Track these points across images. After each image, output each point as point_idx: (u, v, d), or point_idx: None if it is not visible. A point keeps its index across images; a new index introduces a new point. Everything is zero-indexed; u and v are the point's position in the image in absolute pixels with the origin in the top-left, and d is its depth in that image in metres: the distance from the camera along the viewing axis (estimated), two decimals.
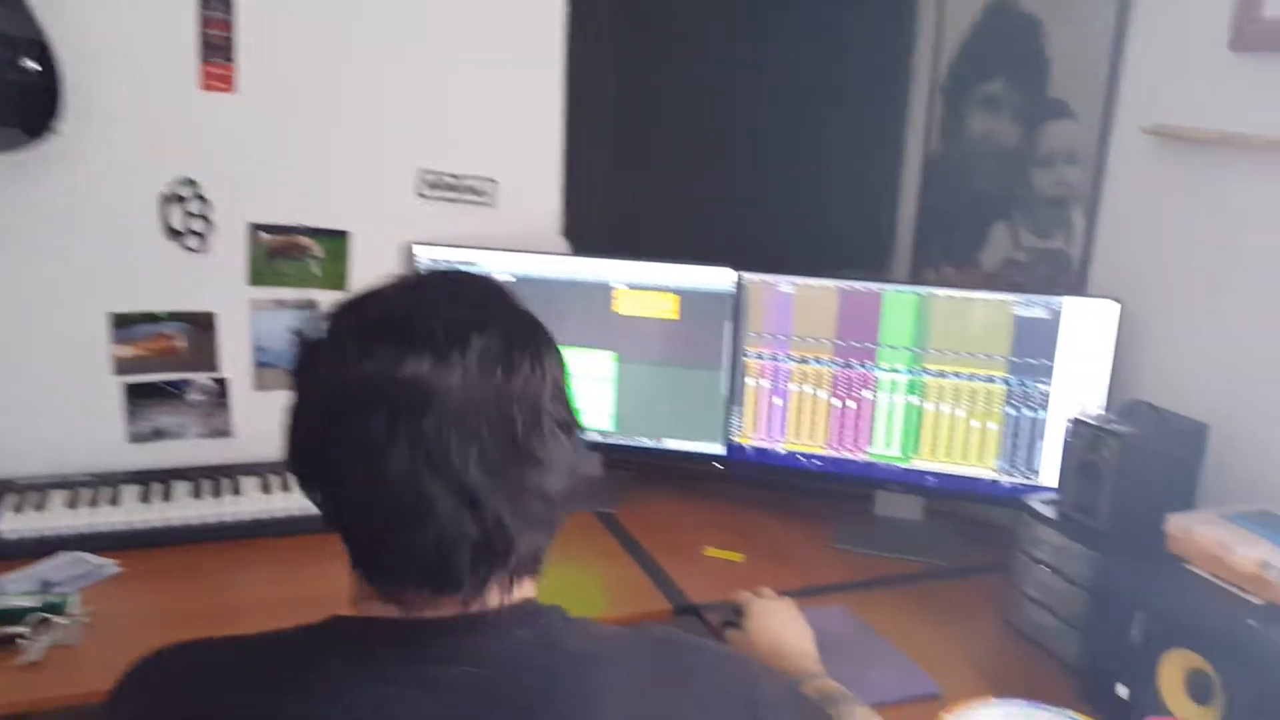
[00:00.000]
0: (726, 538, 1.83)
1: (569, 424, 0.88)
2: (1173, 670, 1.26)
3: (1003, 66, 1.93)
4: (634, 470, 2.07)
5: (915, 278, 2.10)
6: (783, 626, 1.40)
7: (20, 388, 1.81)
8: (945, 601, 1.66)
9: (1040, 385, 1.73)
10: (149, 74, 1.78)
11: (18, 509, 1.67)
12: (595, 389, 1.94)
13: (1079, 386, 1.71)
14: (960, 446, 1.79)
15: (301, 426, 0.85)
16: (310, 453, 0.84)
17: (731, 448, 1.92)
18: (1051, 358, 1.72)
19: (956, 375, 1.77)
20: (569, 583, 1.64)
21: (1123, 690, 1.31)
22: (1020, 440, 1.75)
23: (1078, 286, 1.81)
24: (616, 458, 2.04)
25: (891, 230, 2.18)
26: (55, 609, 1.43)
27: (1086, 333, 1.70)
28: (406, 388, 0.80)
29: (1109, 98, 1.73)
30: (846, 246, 2.15)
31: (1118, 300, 1.68)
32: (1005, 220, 1.94)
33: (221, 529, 1.71)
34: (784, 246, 2.10)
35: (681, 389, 1.92)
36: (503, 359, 0.83)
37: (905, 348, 1.79)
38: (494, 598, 0.86)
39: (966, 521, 1.91)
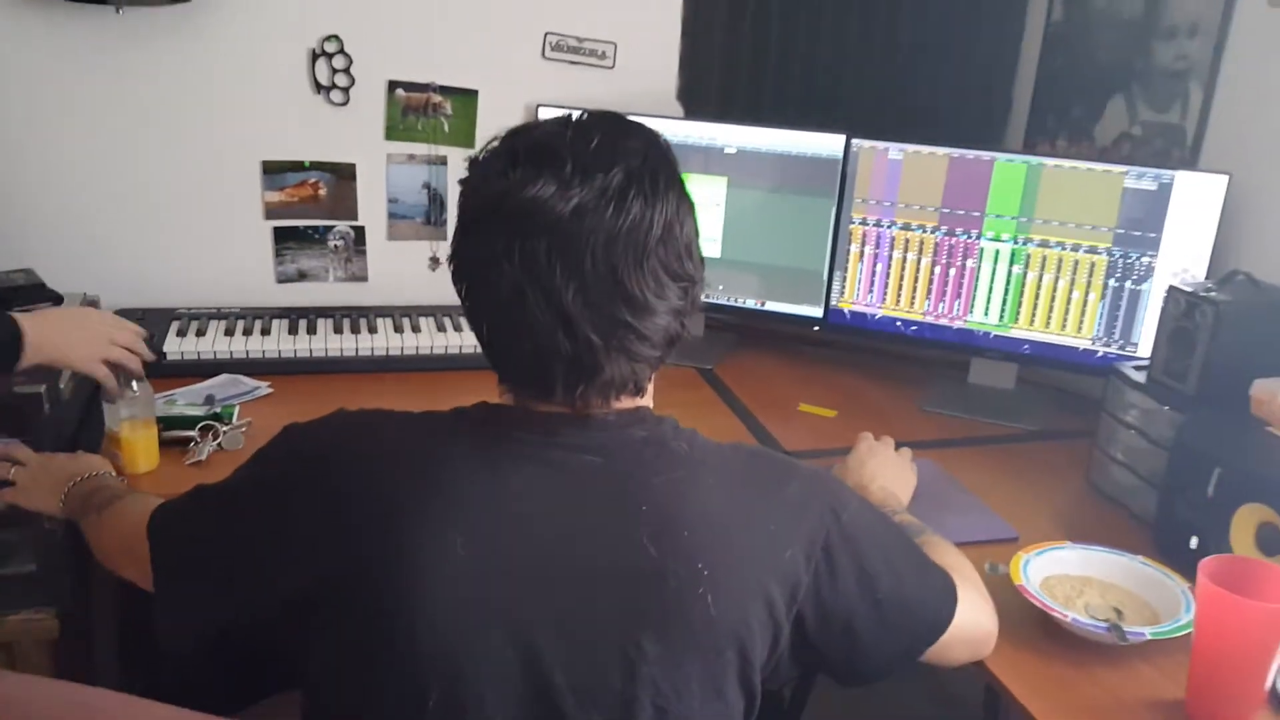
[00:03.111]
0: (821, 396, 1.92)
1: (680, 273, 0.95)
2: (1245, 523, 1.32)
3: None
4: (735, 331, 2.17)
5: (1028, 149, 2.11)
6: (879, 467, 1.49)
7: (184, 228, 1.99)
8: (1031, 462, 1.73)
9: (1145, 258, 1.75)
10: None
11: (181, 334, 1.87)
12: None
13: (1185, 260, 1.72)
14: (1059, 315, 1.83)
15: (456, 229, 0.97)
16: (456, 252, 0.97)
17: (830, 311, 1.99)
18: (1159, 231, 1.73)
19: (1060, 245, 1.80)
20: None
21: (1194, 542, 1.37)
22: (1120, 312, 1.78)
23: (1190, 162, 1.80)
24: (718, 318, 2.14)
25: (1007, 100, 2.18)
26: (219, 418, 1.63)
27: (1196, 207, 1.70)
28: (527, 207, 0.90)
29: None
30: (960, 115, 2.16)
31: (1226, 173, 1.68)
32: (1123, 93, 1.93)
33: (358, 361, 1.88)
34: (897, 113, 2.12)
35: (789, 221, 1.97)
36: (617, 198, 0.91)
37: (1011, 217, 1.83)
38: (598, 407, 0.97)
39: (1059, 391, 1.97)
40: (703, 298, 1.02)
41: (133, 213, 1.95)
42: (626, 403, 1.00)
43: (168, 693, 1.40)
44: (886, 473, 1.49)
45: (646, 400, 1.04)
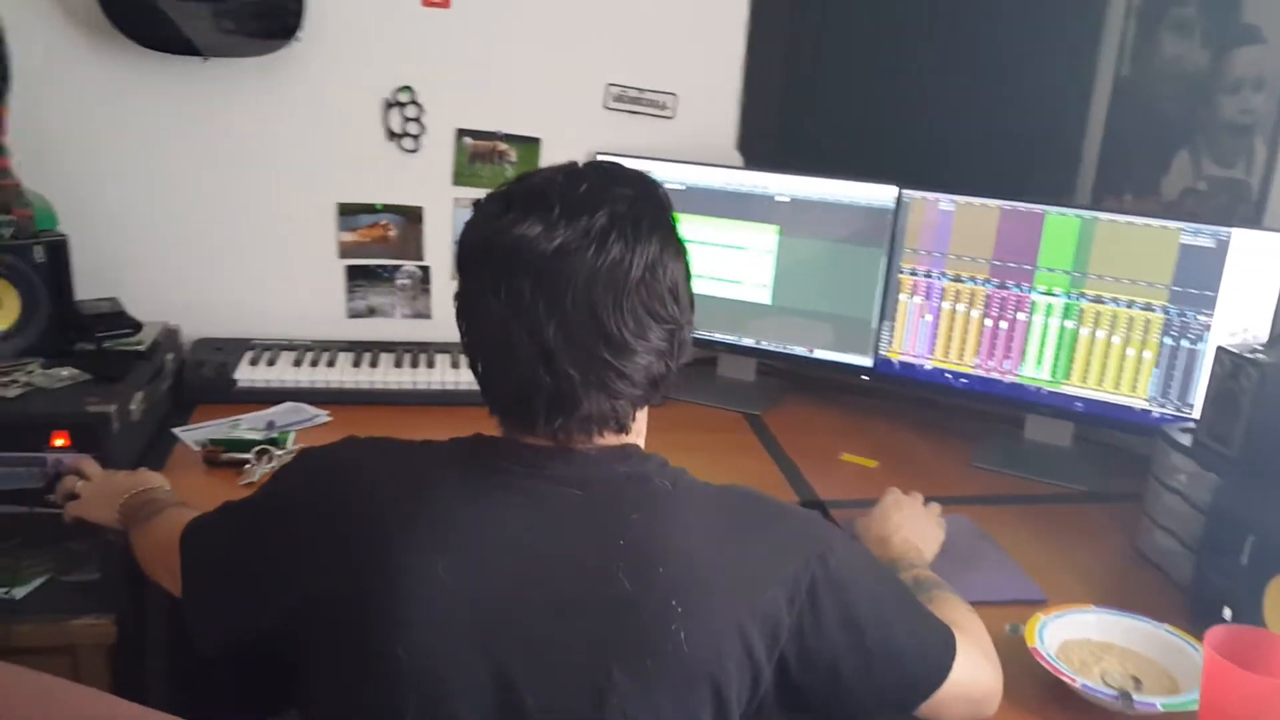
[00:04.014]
0: (865, 446, 1.91)
1: (663, 315, 0.98)
2: (1278, 594, 1.26)
3: None
4: (784, 378, 2.18)
5: (1096, 203, 2.07)
6: (905, 521, 1.48)
7: (263, 263, 2.12)
8: (1075, 523, 1.68)
9: (1201, 316, 1.69)
10: None
11: (254, 363, 1.98)
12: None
13: (1244, 320, 1.66)
14: (1113, 374, 1.78)
15: (455, 269, 1.03)
16: (457, 291, 1.02)
17: (879, 361, 1.98)
18: (1215, 289, 1.67)
19: (1114, 301, 1.76)
20: (701, 471, 1.76)
21: (1227, 613, 1.32)
22: (1176, 371, 1.73)
23: (1255, 218, 1.74)
24: (769, 364, 2.15)
25: (1077, 154, 2.14)
26: (275, 443, 1.72)
27: (1256, 265, 1.64)
28: (514, 245, 0.95)
29: None
30: (1029, 169, 2.13)
31: None
32: (1188, 148, 1.88)
33: (415, 394, 1.96)
34: (961, 167, 2.10)
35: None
36: (598, 239, 0.95)
37: (1064, 271, 1.79)
38: (582, 442, 1.00)
39: (1118, 452, 1.90)
40: (691, 340, 1.05)
41: (215, 248, 2.08)
42: (611, 439, 1.03)
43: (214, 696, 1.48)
44: (911, 526, 1.48)
45: (634, 438, 1.06)
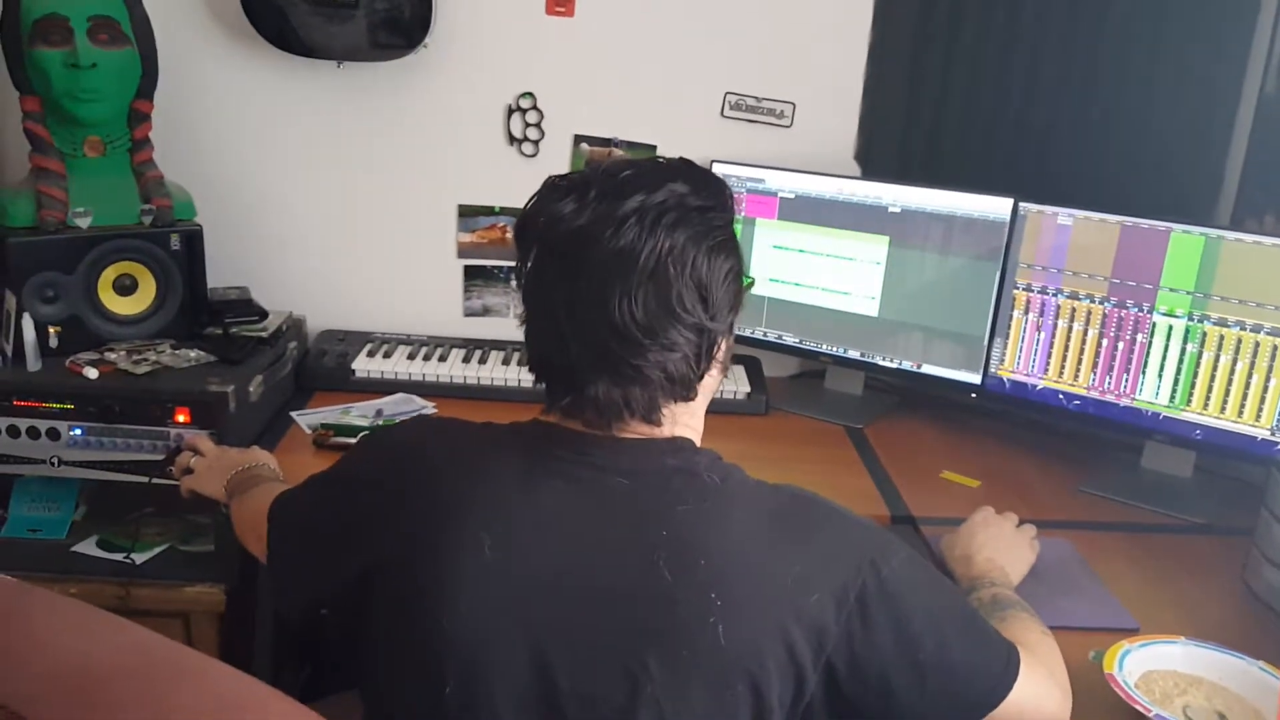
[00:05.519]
0: (969, 465, 1.85)
1: (680, 313, 0.97)
2: None
3: None
4: (894, 393, 2.13)
5: (1236, 224, 1.95)
6: (990, 540, 1.44)
7: (386, 260, 2.22)
8: (1184, 555, 1.58)
9: None
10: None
11: (371, 355, 2.07)
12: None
13: None
14: (1235, 400, 1.67)
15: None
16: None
17: (989, 379, 1.91)
18: None
19: (1240, 325, 1.65)
20: (790, 481, 1.74)
21: None
22: None
23: None
24: (876, 379, 2.12)
25: (1218, 174, 2.02)
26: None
27: None
28: (543, 223, 0.99)
29: None
30: (1162, 187, 2.02)
31: None
32: None
33: (519, 392, 2.01)
34: (1090, 183, 2.01)
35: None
36: (617, 223, 0.95)
37: (1187, 292, 1.70)
38: (602, 427, 1.01)
39: (1242, 485, 1.78)
40: (724, 345, 1.05)
41: (342, 244, 2.19)
42: (644, 429, 1.03)
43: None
44: (996, 545, 1.43)
45: (683, 430, 1.06)
